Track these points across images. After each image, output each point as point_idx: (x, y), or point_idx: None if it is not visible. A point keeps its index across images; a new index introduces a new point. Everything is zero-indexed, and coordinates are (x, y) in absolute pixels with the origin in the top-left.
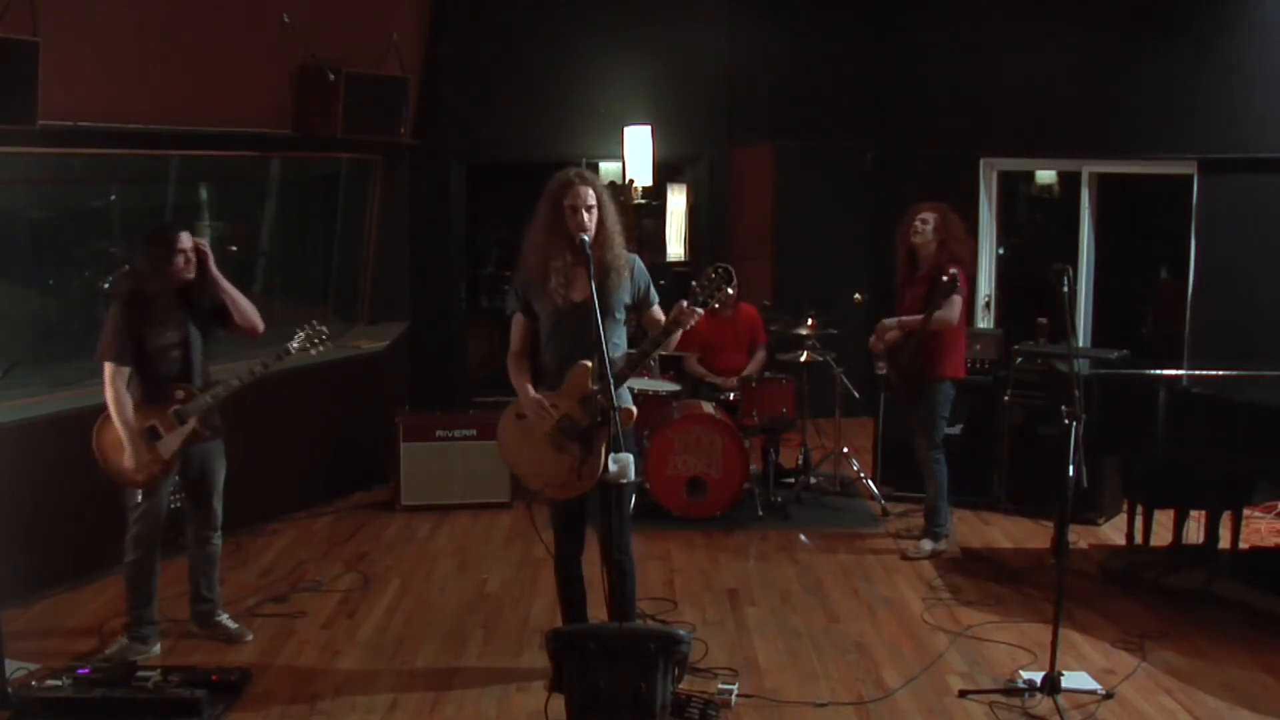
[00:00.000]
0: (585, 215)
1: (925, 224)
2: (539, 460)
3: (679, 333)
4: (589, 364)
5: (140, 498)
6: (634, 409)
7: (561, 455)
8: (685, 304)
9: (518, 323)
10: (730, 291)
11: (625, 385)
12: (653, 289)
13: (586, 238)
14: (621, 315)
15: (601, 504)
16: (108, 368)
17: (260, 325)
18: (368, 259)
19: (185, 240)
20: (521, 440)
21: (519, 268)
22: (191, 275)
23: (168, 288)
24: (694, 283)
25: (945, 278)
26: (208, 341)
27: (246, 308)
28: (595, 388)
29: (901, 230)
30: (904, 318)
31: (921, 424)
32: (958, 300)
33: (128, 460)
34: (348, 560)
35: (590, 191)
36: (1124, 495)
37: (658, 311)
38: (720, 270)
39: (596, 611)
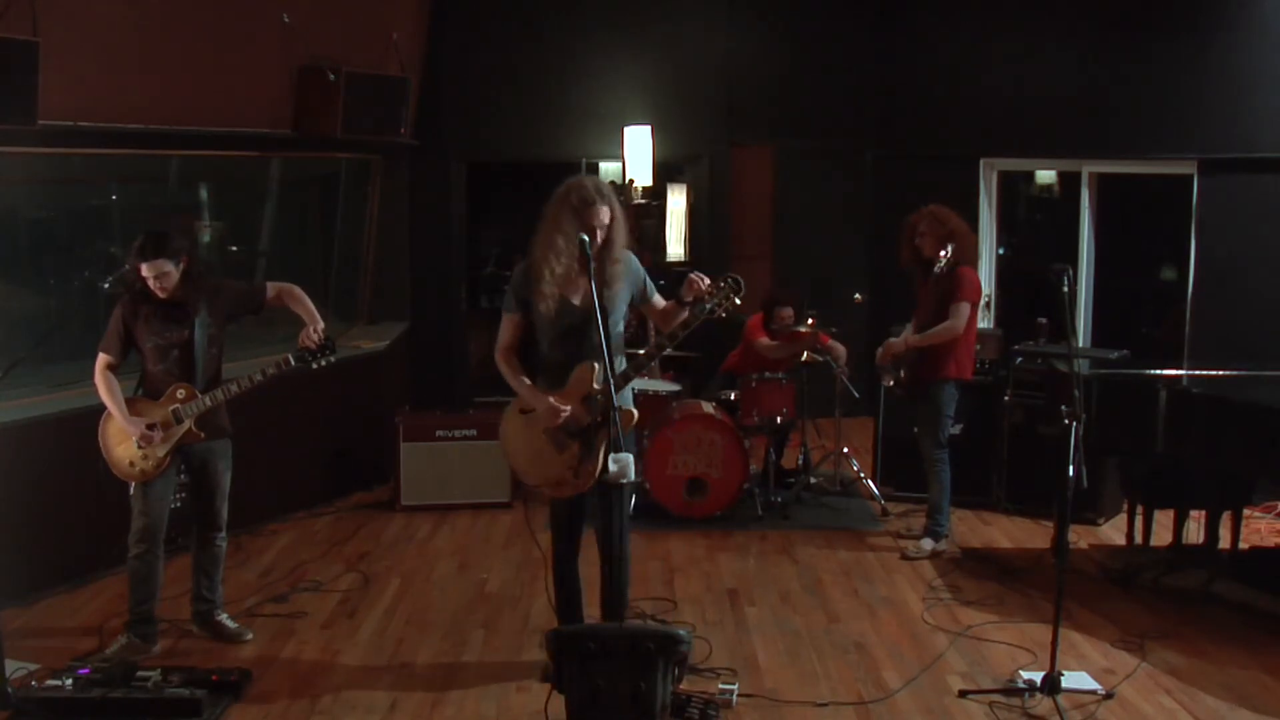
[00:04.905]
0: (600, 234)
1: (922, 233)
2: (538, 457)
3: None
4: (595, 365)
5: (133, 489)
6: (635, 411)
7: (561, 454)
8: (705, 284)
9: (511, 321)
10: (738, 301)
11: (629, 387)
12: (649, 281)
13: (586, 238)
14: (623, 316)
15: (600, 502)
16: (99, 358)
17: (286, 286)
18: (368, 259)
19: (145, 270)
20: (523, 437)
21: (521, 267)
22: (166, 294)
23: (153, 297)
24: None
25: (942, 254)
26: (223, 338)
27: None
28: (598, 388)
29: (904, 244)
30: (911, 338)
31: (926, 423)
32: (965, 308)
33: (121, 447)
34: (348, 560)
35: (607, 210)
36: (1124, 495)
37: (658, 300)
38: (730, 280)
39: (592, 610)
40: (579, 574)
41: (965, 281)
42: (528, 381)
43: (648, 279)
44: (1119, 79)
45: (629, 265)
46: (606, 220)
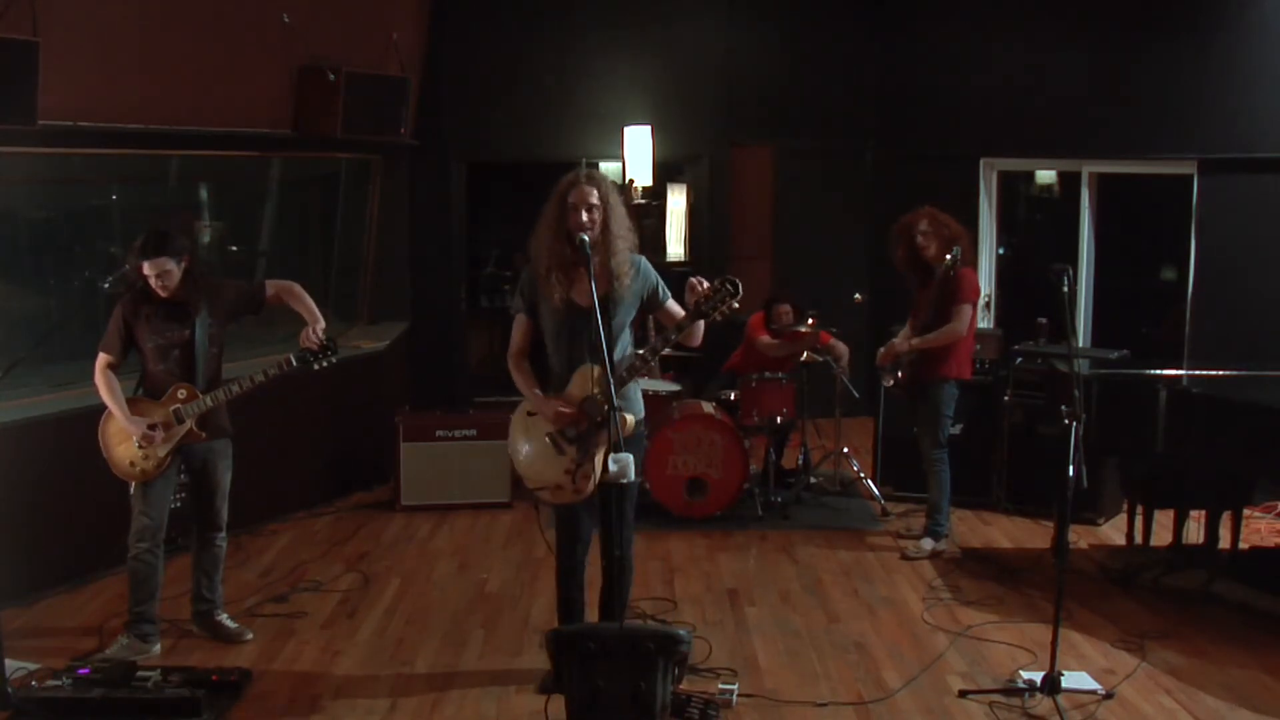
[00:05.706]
0: (586, 215)
1: (925, 234)
2: (538, 460)
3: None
4: (595, 366)
5: (134, 489)
6: (630, 416)
7: (559, 458)
8: (704, 286)
9: (520, 323)
10: (735, 305)
11: (638, 390)
12: (663, 285)
13: (585, 237)
14: (628, 318)
15: (602, 503)
16: (99, 357)
17: (284, 284)
18: (368, 259)
19: (147, 269)
20: (526, 439)
21: (525, 267)
22: (168, 293)
23: (154, 296)
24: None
25: (948, 256)
26: (223, 337)
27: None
28: (596, 390)
29: (900, 245)
30: (914, 340)
31: (926, 423)
32: (967, 310)
33: (121, 447)
34: (348, 560)
35: (594, 191)
36: (1124, 495)
37: (673, 306)
38: (728, 285)
39: (591, 610)
40: (584, 582)
41: (966, 283)
42: (536, 389)
43: (661, 283)
44: (1119, 79)
45: (639, 268)
46: (594, 200)
